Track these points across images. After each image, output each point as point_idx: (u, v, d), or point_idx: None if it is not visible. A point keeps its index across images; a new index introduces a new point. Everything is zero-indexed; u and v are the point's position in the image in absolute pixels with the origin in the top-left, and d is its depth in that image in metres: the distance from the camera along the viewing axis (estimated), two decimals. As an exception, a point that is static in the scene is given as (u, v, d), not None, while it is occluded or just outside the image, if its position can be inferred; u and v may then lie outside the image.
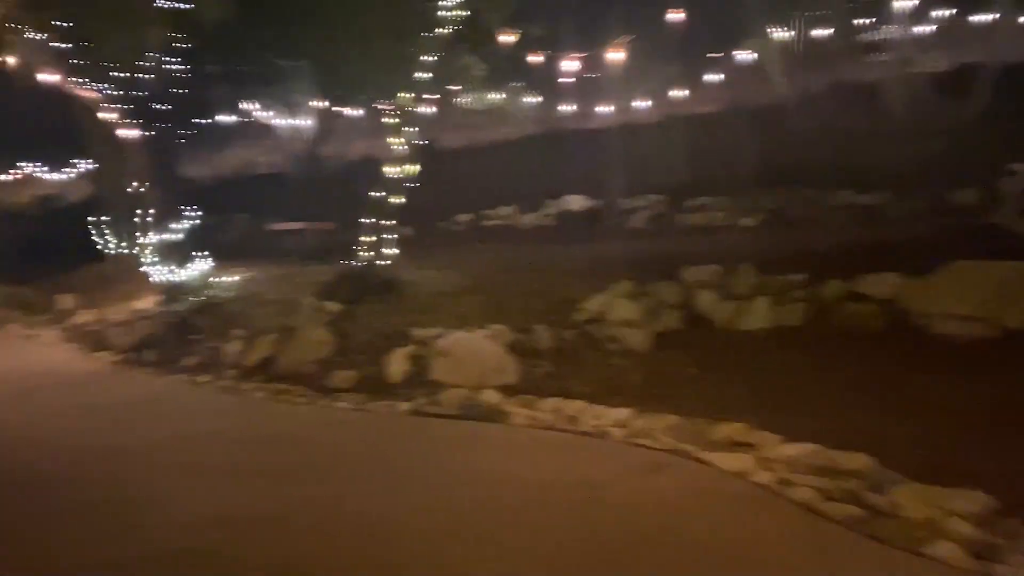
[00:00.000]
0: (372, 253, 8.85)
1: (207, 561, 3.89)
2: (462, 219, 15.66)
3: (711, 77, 14.34)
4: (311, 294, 8.67)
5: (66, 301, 11.33)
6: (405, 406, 6.66)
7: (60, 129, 13.79)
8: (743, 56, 13.92)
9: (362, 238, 8.97)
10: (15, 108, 13.59)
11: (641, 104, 14.36)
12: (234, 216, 17.08)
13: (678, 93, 14.45)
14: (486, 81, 13.97)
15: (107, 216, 13.91)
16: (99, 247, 14.10)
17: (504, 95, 15.34)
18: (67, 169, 20.11)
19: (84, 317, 10.42)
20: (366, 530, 4.16)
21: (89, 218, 14.78)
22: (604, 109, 14.28)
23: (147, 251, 9.81)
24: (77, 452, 5.67)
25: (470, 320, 7.84)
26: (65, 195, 22.68)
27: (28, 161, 19.66)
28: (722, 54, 14.29)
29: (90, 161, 14.33)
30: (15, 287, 13.24)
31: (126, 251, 12.30)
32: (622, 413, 6.03)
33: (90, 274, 13.06)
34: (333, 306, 8.21)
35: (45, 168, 20.63)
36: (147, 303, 9.91)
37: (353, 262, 9.00)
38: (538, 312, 7.91)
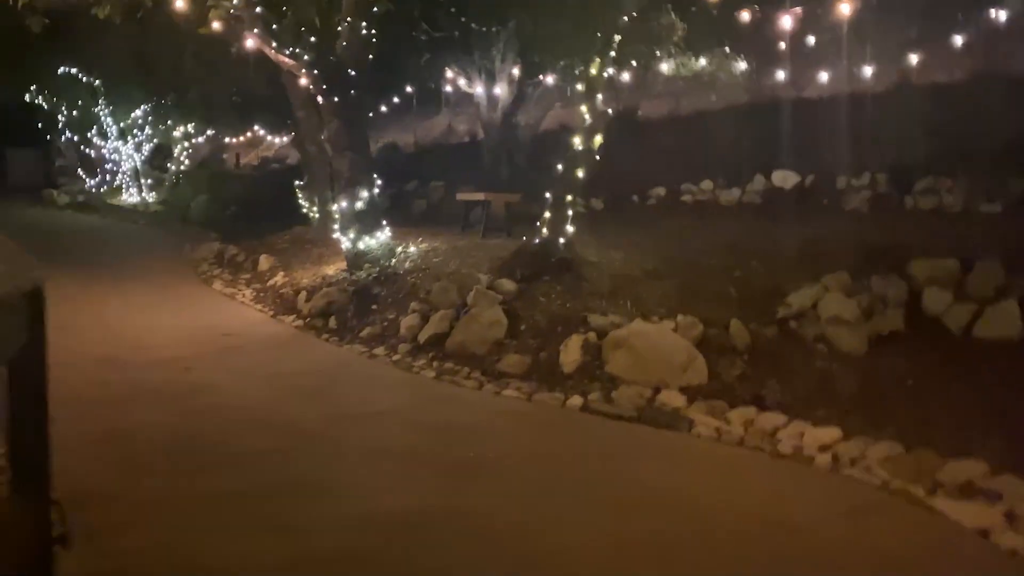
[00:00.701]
0: (553, 229, 8.29)
1: (357, 567, 3.54)
2: (657, 193, 14.79)
3: (954, 39, 12.46)
4: (487, 269, 8.28)
5: (265, 262, 11.74)
6: (576, 401, 6.12)
7: (281, 93, 14.32)
8: (996, 14, 11.97)
9: (544, 213, 8.44)
10: (243, 71, 14.23)
11: (867, 70, 12.76)
12: (429, 184, 17.22)
13: (913, 58, 12.70)
14: (690, 44, 12.97)
15: (307, 180, 14.39)
16: (303, 210, 14.63)
17: (710, 60, 14.24)
18: (286, 133, 21.20)
19: (278, 279, 10.71)
20: (526, 555, 3.64)
21: (296, 182, 15.43)
22: (824, 76, 12.83)
23: (336, 217, 9.83)
24: (258, 426, 5.57)
25: (655, 308, 7.14)
26: (284, 157, 24.11)
27: (257, 124, 20.78)
28: (969, 13, 12.39)
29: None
30: (227, 244, 14.01)
31: (322, 216, 12.61)
32: (829, 433, 5.15)
33: (292, 236, 13.53)
34: (508, 284, 7.76)
35: (268, 131, 21.88)
36: (335, 269, 9.97)
37: (534, 238, 8.50)
38: (735, 303, 7.06)
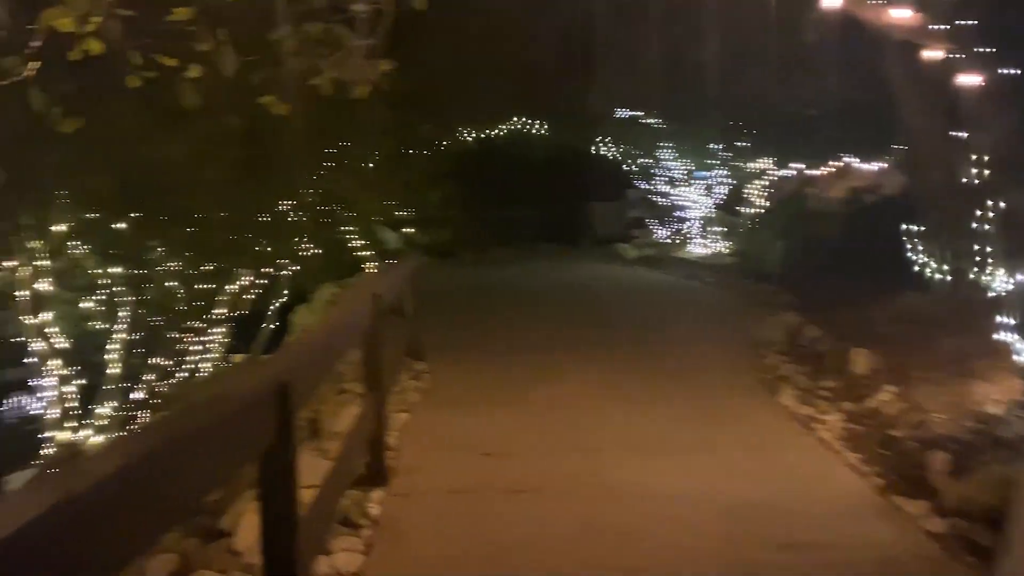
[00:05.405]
0: None
1: None
2: None
3: None
4: None
5: (861, 361, 7.34)
6: None
7: (879, 104, 10.35)
8: None
9: None
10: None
11: None
12: None
13: None
14: None
15: (926, 224, 9.49)
16: (917, 269, 9.80)
17: None
18: (884, 157, 16.63)
19: (885, 398, 6.27)
20: None
21: (903, 225, 10.60)
22: None
23: (995, 296, 5.08)
24: None
25: None
26: (878, 187, 19.19)
27: (845, 150, 16.98)
28: None
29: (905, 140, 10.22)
30: (804, 318, 9.92)
31: (957, 284, 7.68)
32: None
33: (901, 310, 8.89)
34: None
35: (858, 157, 17.77)
36: (1000, 396, 5.22)
37: None
38: None
